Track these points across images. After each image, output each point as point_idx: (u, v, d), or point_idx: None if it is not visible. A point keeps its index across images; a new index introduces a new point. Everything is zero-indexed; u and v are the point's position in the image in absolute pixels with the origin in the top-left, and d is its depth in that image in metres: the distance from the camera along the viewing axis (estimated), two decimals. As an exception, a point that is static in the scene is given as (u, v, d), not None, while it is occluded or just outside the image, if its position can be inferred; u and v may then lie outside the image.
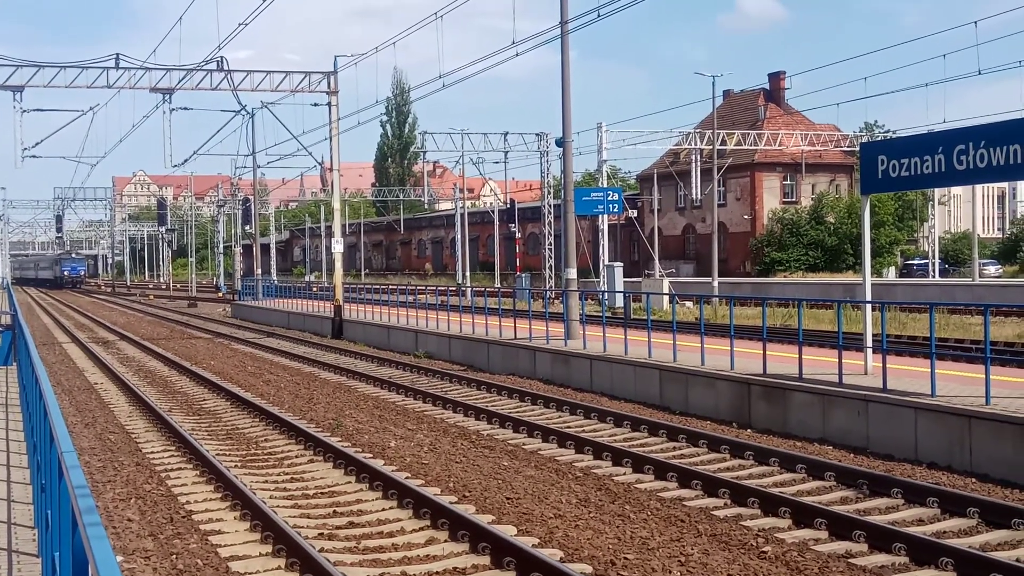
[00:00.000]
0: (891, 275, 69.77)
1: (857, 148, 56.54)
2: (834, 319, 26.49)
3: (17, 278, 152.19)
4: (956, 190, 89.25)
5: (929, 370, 15.60)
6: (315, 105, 42.66)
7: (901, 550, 10.38)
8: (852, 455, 15.26)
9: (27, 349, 15.05)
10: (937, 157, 16.05)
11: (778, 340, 22.56)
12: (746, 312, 38.79)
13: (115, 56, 38.23)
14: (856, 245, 68.16)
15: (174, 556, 10.60)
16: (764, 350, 18.64)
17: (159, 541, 11.16)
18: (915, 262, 75.05)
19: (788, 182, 78.85)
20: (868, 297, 17.88)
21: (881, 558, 10.34)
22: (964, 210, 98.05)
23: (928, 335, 16.70)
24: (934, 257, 68.87)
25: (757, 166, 76.65)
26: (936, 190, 69.98)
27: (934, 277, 64.84)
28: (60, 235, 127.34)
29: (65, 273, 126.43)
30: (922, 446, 14.84)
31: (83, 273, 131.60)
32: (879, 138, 69.38)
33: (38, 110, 42.07)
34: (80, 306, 72.88)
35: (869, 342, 17.74)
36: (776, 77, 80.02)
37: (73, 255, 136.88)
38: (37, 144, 43.05)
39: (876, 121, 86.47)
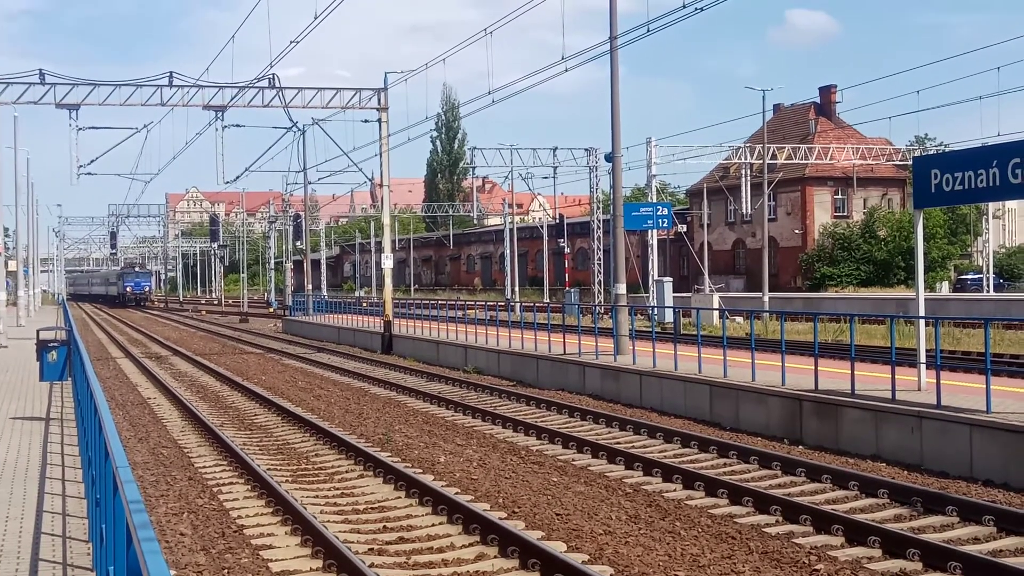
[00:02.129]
0: (944, 290, 68.98)
1: (909, 162, 56.02)
2: (886, 334, 26.23)
3: (75, 294, 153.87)
4: (1011, 204, 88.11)
5: (984, 386, 15.40)
6: (365, 121, 42.94)
7: (956, 569, 10.23)
8: (905, 472, 15.09)
9: (82, 364, 15.22)
10: (991, 171, 15.87)
11: (830, 356, 22.38)
12: (797, 327, 38.51)
13: (168, 74, 38.78)
14: (908, 259, 67.50)
15: (226, 570, 10.66)
16: (816, 365, 18.49)
17: (211, 556, 11.24)
18: (969, 277, 74.13)
19: (839, 196, 78.25)
20: (921, 312, 17.69)
21: (936, 577, 10.20)
22: (1019, 224, 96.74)
23: (983, 351, 16.51)
24: (988, 271, 67.97)
25: (808, 180, 76.15)
26: (990, 204, 69.13)
27: (988, 292, 64.01)
28: (114, 251, 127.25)
29: (128, 289, 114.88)
30: (977, 463, 14.64)
31: (148, 289, 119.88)
32: (932, 152, 68.76)
33: (93, 128, 42.62)
34: (133, 321, 73.68)
35: (923, 358, 17.54)
36: (827, 91, 79.52)
37: (137, 269, 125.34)
38: (92, 161, 43.65)
39: (928, 135, 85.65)
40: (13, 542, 9.61)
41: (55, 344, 20.27)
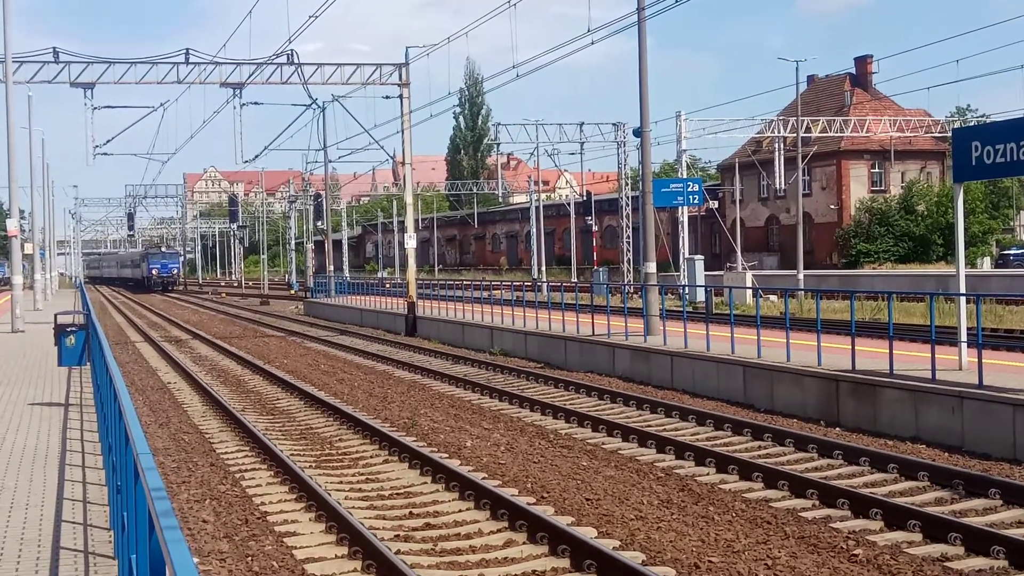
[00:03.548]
0: (986, 266, 68.49)
1: (949, 134, 55.62)
2: (926, 312, 26.09)
3: (93, 278, 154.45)
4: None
5: (1028, 365, 15.31)
6: (387, 98, 42.91)
7: (999, 553, 10.20)
8: (946, 454, 15.04)
9: (101, 349, 15.32)
10: (1034, 142, 15.73)
11: (867, 335, 22.26)
12: (833, 306, 38.34)
13: (185, 51, 38.89)
14: (947, 235, 67.08)
15: (250, 558, 10.73)
16: (853, 345, 18.42)
17: (234, 543, 11.31)
18: (1012, 252, 73.56)
19: (876, 170, 77.72)
20: (962, 289, 17.58)
21: (978, 562, 10.18)
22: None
23: (1026, 329, 16.40)
24: (1032, 246, 67.48)
25: (843, 154, 75.68)
26: (1033, 176, 68.57)
27: (1032, 267, 63.50)
28: (132, 233, 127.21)
29: (153, 272, 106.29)
30: (1021, 444, 14.57)
31: (176, 272, 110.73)
32: (972, 123, 68.22)
33: (109, 107, 42.78)
34: (152, 304, 74.08)
35: (964, 336, 17.45)
36: (863, 61, 78.88)
37: (163, 250, 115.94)
38: (108, 141, 44.01)
39: (969, 105, 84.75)
40: (34, 529, 9.70)
41: (73, 328, 20.38)
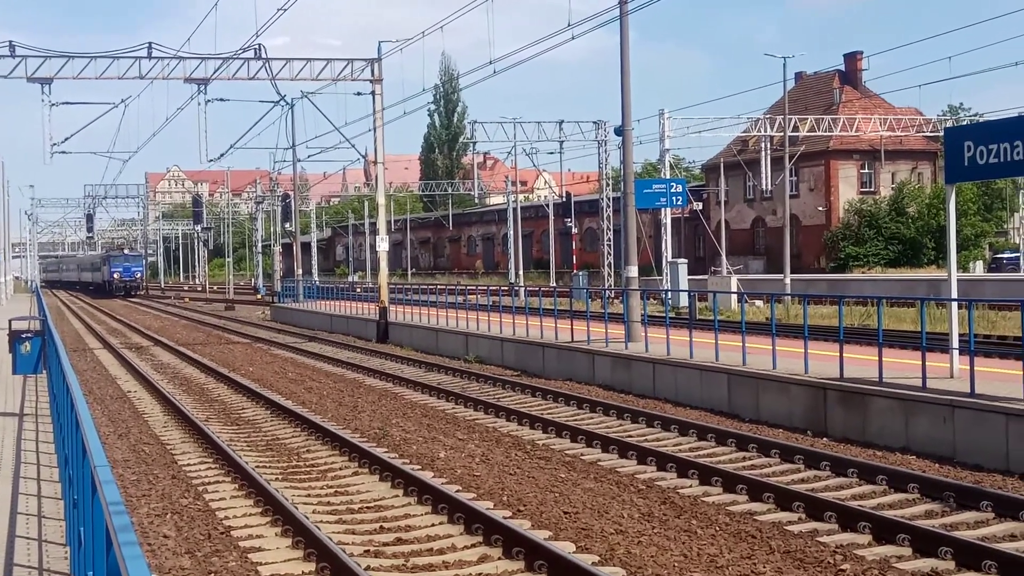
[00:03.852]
0: (979, 270, 68.92)
1: (941, 133, 55.94)
2: (916, 318, 26.23)
3: (51, 281, 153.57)
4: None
5: (1022, 373, 15.40)
6: (358, 94, 42.88)
7: (991, 568, 10.25)
8: (937, 465, 15.12)
9: (57, 356, 15.26)
10: (1028, 142, 15.83)
11: (856, 341, 22.38)
12: (821, 311, 38.51)
13: (148, 45, 38.74)
14: (939, 238, 67.42)
15: (212, 574, 10.71)
16: (841, 352, 18.50)
17: (196, 559, 11.28)
18: (1005, 255, 74.05)
19: (866, 171, 78.09)
20: (954, 294, 17.69)
21: (970, 577, 10.23)
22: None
23: (1020, 335, 16.50)
24: (1026, 250, 67.94)
25: (832, 154, 76.01)
26: (1027, 177, 69.04)
27: (1026, 272, 63.93)
28: (91, 235, 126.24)
29: (115, 276, 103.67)
30: (1014, 455, 14.65)
31: (139, 276, 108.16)
32: (965, 122, 68.64)
33: (67, 103, 42.54)
34: (112, 310, 73.80)
35: (955, 343, 17.55)
36: (853, 58, 79.22)
37: (126, 252, 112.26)
38: (67, 139, 43.74)
39: (962, 104, 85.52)
40: (-14, 546, 9.65)
41: (28, 334, 20.29)
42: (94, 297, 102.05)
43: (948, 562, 10.63)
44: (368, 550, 11.67)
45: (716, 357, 21.79)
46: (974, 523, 12.17)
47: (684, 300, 41.30)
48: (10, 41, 37.61)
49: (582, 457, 16.66)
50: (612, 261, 60.12)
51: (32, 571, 8.89)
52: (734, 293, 39.69)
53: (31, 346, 19.92)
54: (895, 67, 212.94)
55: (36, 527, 10.39)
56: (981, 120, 58.04)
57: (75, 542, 8.17)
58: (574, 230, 73.57)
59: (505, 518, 12.47)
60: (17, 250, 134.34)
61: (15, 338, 19.96)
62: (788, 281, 51.62)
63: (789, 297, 43.09)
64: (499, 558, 11.20)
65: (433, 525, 12.67)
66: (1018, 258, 69.20)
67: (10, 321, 21.34)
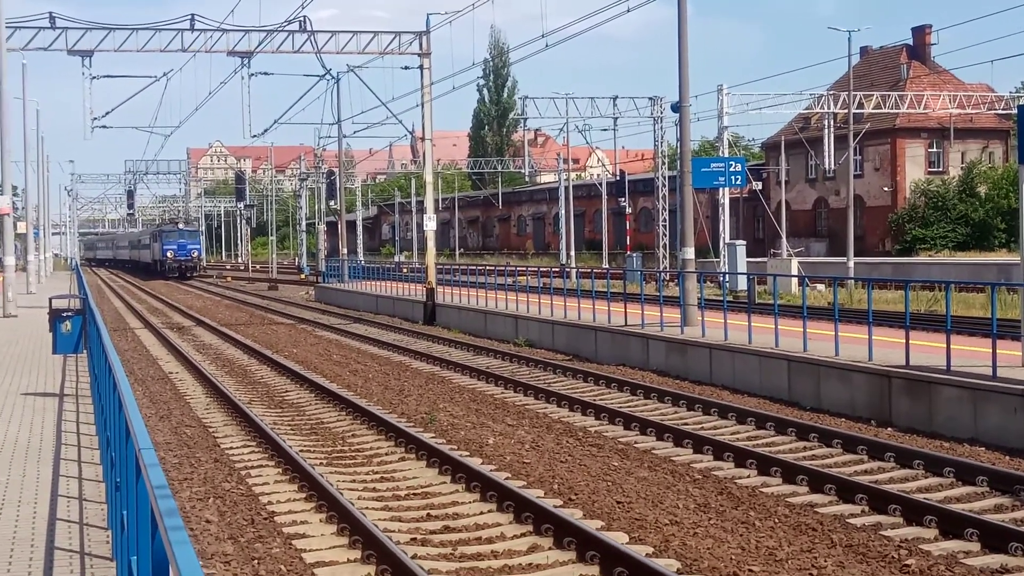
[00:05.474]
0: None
1: (1013, 111, 55.23)
2: (987, 304, 25.97)
3: (94, 259, 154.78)
4: None
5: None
6: (406, 68, 42.87)
7: (1064, 566, 10.16)
8: (1007, 457, 14.98)
9: (99, 335, 15.41)
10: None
11: (923, 328, 22.19)
12: (886, 296, 38.21)
13: (190, 17, 38.93)
14: (1010, 220, 66.66)
15: (256, 561, 10.79)
16: (907, 339, 18.35)
17: (239, 544, 11.37)
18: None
19: (934, 150, 77.26)
20: (1026, 279, 17.48)
21: (1041, 574, 10.14)
22: None
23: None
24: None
25: (899, 132, 75.26)
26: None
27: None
28: (131, 211, 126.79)
29: (169, 255, 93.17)
30: (1088, 448, 14.49)
31: (196, 255, 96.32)
32: (1039, 99, 67.68)
33: (108, 76, 42.94)
34: (153, 289, 74.44)
35: (1027, 330, 17.35)
36: (921, 32, 78.35)
37: (181, 227, 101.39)
38: (107, 113, 44.11)
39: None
40: (27, 528, 9.78)
41: (69, 313, 20.47)
42: (143, 279, 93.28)
43: (1019, 558, 10.55)
44: (415, 538, 11.72)
45: (776, 343, 21.68)
46: (1046, 518, 12.06)
47: (742, 283, 41.08)
48: (50, 12, 37.94)
49: (635, 445, 16.64)
50: (667, 242, 59.91)
51: (73, 555, 9.00)
52: (795, 276, 39.39)
53: (71, 325, 20.11)
54: (965, 41, 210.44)
55: (77, 510, 10.51)
56: (1056, 97, 57.23)
57: (117, 526, 8.26)
58: (628, 210, 73.41)
59: (556, 507, 12.48)
60: (57, 227, 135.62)
61: (56, 317, 20.15)
62: (851, 264, 51.17)
63: (852, 281, 42.74)
64: (549, 548, 11.21)
65: (481, 513, 12.71)
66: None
67: (50, 300, 21.57)
